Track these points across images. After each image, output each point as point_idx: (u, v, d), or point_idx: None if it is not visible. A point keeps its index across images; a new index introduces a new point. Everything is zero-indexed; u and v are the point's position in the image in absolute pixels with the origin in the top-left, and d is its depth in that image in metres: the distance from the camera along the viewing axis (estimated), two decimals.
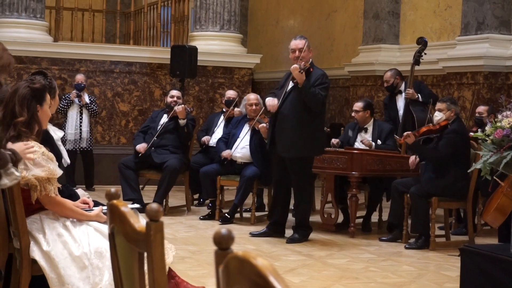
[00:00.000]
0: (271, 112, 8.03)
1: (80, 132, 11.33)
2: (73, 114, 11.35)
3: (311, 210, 8.61)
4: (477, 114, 9.23)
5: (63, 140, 11.37)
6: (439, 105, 8.12)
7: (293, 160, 7.93)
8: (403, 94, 9.85)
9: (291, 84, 7.97)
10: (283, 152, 7.94)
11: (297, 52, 7.97)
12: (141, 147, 9.64)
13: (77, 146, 11.34)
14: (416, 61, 9.72)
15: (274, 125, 8.03)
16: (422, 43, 9.81)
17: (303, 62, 7.85)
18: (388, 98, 10.17)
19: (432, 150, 8.03)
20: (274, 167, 8.28)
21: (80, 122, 11.35)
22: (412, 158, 8.31)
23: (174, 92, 10.14)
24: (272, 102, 7.92)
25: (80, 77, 11.47)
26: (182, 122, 9.65)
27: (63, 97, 11.41)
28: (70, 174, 11.36)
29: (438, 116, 8.07)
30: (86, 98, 11.43)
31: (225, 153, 9.23)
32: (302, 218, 8.14)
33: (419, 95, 9.65)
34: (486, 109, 9.14)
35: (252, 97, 9.44)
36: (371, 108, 9.26)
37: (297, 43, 8.04)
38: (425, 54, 9.78)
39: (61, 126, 11.31)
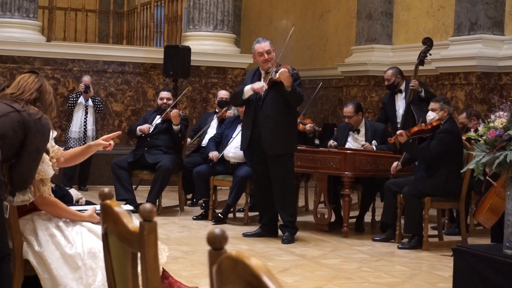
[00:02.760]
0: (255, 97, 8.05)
1: (85, 131, 11.43)
2: (78, 113, 11.48)
3: (301, 210, 8.61)
4: (460, 125, 9.20)
5: (66, 138, 11.45)
6: (432, 105, 8.13)
7: (278, 157, 7.95)
8: (403, 93, 9.81)
9: (265, 86, 7.98)
10: (270, 150, 7.96)
11: (265, 54, 7.98)
12: (145, 126, 9.69)
13: (82, 145, 11.39)
14: (421, 61, 9.65)
15: (254, 127, 8.03)
16: (427, 43, 9.71)
17: (287, 66, 7.86)
18: (388, 97, 10.12)
19: (423, 149, 8.04)
20: (256, 169, 8.26)
21: (85, 121, 11.44)
22: (394, 164, 8.30)
23: (164, 94, 10.13)
24: (258, 84, 7.93)
25: (86, 79, 11.58)
26: (176, 128, 9.63)
27: (70, 95, 11.66)
28: (71, 173, 11.40)
29: (431, 115, 8.08)
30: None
31: (212, 154, 9.26)
32: (292, 217, 8.15)
33: (422, 89, 9.64)
34: (465, 116, 9.14)
35: None
36: (362, 109, 9.24)
37: (263, 45, 8.03)
38: (430, 54, 9.70)
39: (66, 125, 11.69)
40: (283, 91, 7.82)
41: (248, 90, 7.98)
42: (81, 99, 11.49)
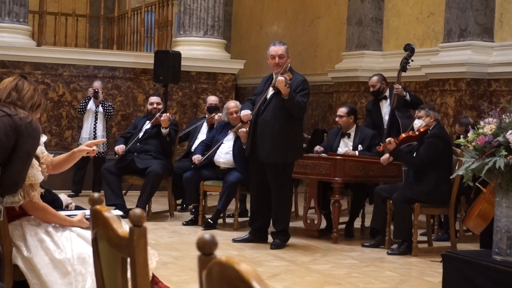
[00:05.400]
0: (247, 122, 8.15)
1: (95, 138, 11.34)
2: (88, 119, 11.40)
3: (290, 216, 8.61)
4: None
5: (78, 145, 11.45)
6: (418, 113, 8.18)
7: (274, 165, 7.93)
8: (388, 100, 9.84)
9: (271, 90, 7.96)
10: (265, 158, 7.94)
11: (277, 58, 7.93)
12: (119, 148, 9.67)
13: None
14: (403, 67, 9.69)
15: (255, 132, 8.03)
16: (409, 49, 9.76)
17: (286, 75, 7.81)
18: (372, 104, 10.14)
19: (413, 155, 8.06)
20: (253, 174, 8.26)
21: (95, 127, 11.37)
22: (386, 156, 8.33)
23: (154, 99, 10.13)
24: (245, 113, 8.01)
25: (96, 84, 11.52)
26: (164, 131, 9.63)
27: (81, 100, 11.60)
28: (79, 179, 11.40)
29: (418, 123, 8.11)
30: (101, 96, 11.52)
31: (194, 157, 9.24)
32: (284, 224, 8.14)
33: (407, 93, 9.66)
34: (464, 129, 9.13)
35: (232, 105, 9.38)
36: (355, 113, 9.29)
37: (276, 49, 7.98)
38: (412, 61, 9.75)
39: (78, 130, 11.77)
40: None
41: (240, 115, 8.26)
42: (91, 105, 11.39)
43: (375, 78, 10.02)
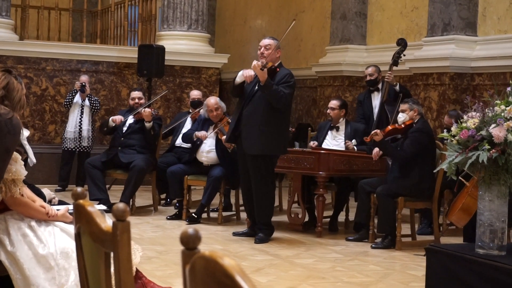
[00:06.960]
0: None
1: (80, 131, 11.31)
2: (74, 112, 11.37)
3: (274, 210, 8.61)
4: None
5: (62, 139, 11.45)
6: (401, 107, 8.19)
7: (255, 157, 7.93)
8: (380, 92, 9.82)
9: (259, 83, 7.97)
10: (247, 149, 7.94)
11: (262, 48, 8.00)
12: (118, 117, 9.71)
13: (77, 145, 11.32)
14: (395, 61, 9.68)
15: (239, 123, 8.01)
16: (402, 44, 9.74)
17: (265, 61, 7.86)
18: (364, 96, 10.13)
19: (398, 149, 8.08)
20: (240, 167, 8.26)
21: (80, 121, 11.33)
22: (376, 149, 8.35)
23: (136, 94, 10.12)
24: (250, 72, 7.94)
25: (83, 78, 11.50)
26: (148, 125, 9.62)
27: (67, 94, 11.60)
28: (66, 174, 11.36)
29: (401, 117, 8.13)
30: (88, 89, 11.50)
31: (200, 133, 9.17)
32: (267, 218, 8.14)
33: (397, 83, 9.69)
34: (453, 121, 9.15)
35: (212, 102, 9.32)
36: (346, 107, 9.34)
37: (264, 41, 8.10)
38: (404, 55, 9.75)
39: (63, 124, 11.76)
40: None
41: (240, 75, 7.99)
42: (78, 99, 11.37)
43: (372, 68, 10.01)
